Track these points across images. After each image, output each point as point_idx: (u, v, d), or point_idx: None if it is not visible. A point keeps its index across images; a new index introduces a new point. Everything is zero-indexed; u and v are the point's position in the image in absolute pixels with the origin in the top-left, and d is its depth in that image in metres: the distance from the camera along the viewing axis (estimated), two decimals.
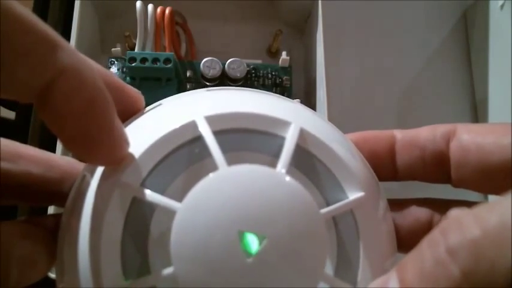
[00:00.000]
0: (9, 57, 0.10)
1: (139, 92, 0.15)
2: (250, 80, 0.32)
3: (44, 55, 0.11)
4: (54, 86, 0.11)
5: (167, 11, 0.30)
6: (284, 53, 0.32)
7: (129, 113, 0.15)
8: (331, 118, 0.29)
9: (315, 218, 0.13)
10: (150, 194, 0.13)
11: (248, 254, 0.12)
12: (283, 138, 0.14)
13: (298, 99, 0.32)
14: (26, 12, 0.10)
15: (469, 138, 0.15)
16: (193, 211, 0.12)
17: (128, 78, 0.29)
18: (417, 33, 0.39)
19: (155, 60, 0.29)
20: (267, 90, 0.32)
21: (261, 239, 0.12)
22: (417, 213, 0.16)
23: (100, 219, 0.12)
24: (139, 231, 0.13)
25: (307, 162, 0.14)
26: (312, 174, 0.14)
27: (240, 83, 0.31)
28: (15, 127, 0.31)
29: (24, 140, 0.31)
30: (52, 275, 0.25)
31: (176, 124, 0.13)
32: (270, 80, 0.32)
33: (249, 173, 0.13)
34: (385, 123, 0.38)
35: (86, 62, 0.12)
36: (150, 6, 0.30)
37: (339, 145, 0.14)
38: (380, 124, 0.37)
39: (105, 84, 0.12)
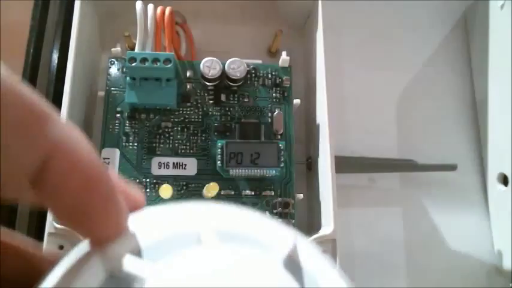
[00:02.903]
0: None
1: (141, 191, 0.14)
2: (250, 80, 0.32)
3: (33, 130, 0.10)
4: (48, 166, 0.10)
5: (167, 11, 0.30)
6: (284, 53, 0.32)
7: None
8: (331, 118, 0.29)
9: None
10: None
11: None
12: None
13: (298, 100, 0.32)
14: (13, 81, 0.10)
15: None
16: None
17: (127, 78, 0.29)
18: (417, 33, 0.39)
19: (155, 60, 0.29)
20: (267, 90, 0.32)
21: None
22: None
23: None
24: None
25: None
26: None
27: (240, 83, 0.31)
28: None
29: None
30: None
31: None
32: (270, 80, 0.32)
33: None
34: (385, 123, 0.38)
35: (79, 136, 0.11)
36: (150, 6, 0.30)
37: None
38: (380, 124, 0.37)
39: None
